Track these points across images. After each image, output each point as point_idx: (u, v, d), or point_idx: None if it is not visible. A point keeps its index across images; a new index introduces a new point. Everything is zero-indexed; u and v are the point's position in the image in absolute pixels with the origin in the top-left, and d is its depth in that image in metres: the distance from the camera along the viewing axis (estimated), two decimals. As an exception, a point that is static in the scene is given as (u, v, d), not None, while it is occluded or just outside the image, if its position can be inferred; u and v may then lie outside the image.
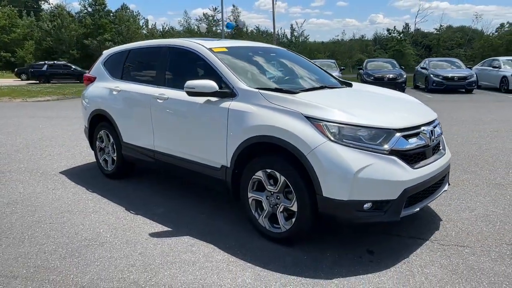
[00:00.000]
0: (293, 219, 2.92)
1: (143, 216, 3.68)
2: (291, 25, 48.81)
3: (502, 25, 73.16)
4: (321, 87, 3.72)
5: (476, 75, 16.61)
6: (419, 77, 18.13)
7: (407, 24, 54.04)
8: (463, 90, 16.18)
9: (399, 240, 3.13)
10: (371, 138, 2.74)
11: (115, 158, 4.69)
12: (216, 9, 48.43)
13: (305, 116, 2.84)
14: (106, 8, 44.06)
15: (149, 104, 3.98)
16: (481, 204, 3.85)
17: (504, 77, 16.05)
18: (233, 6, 51.43)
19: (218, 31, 47.37)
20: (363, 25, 79.68)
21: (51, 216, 3.71)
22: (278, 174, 2.95)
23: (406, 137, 2.86)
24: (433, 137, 3.07)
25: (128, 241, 3.18)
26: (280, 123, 2.88)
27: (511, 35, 62.22)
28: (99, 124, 4.85)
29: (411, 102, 3.61)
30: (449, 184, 3.44)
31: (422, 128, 3.01)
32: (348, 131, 2.74)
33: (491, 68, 17.35)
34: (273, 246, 3.05)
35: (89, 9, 43.52)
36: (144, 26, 49.25)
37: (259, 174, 3.08)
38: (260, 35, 56.53)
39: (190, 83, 3.35)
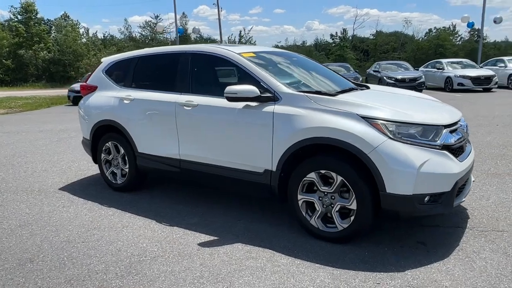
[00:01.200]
0: (352, 217, 2.99)
1: (179, 227, 3.57)
2: (240, 31, 49.17)
3: (430, 30, 79.12)
4: (350, 89, 3.84)
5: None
6: (372, 80, 19.13)
7: (344, 30, 56.81)
8: (414, 90, 17.34)
9: (442, 230, 3.32)
10: (424, 135, 2.90)
11: (126, 170, 4.48)
12: (158, 16, 47.53)
13: (361, 116, 2.93)
14: (38, 15, 41.31)
15: (174, 111, 3.87)
16: (492, 192, 4.18)
17: (448, 77, 17.44)
18: (183, 13, 50.88)
19: (162, 38, 46.64)
20: (300, 32, 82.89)
21: (80, 234, 3.47)
22: (334, 174, 3.01)
23: (451, 132, 3.06)
24: (468, 131, 3.31)
25: (180, 253, 3.07)
26: (337, 124, 2.95)
27: (438, 40, 67.94)
28: (105, 135, 4.61)
29: (435, 101, 3.85)
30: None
31: (459, 123, 3.24)
32: (403, 129, 2.88)
33: (435, 69, 18.77)
34: (328, 245, 3.10)
35: (19, 17, 40.41)
36: (84, 35, 47.01)
37: (312, 176, 3.12)
38: (204, 41, 56.45)
39: (231, 88, 3.32)
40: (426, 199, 2.83)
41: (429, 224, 3.43)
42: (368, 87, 4.23)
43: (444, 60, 19.52)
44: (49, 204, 4.28)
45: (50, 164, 6.12)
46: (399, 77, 17.24)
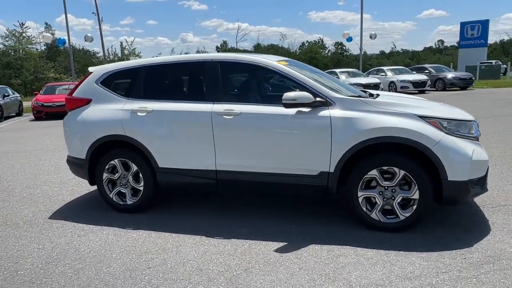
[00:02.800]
0: (414, 206, 3.35)
1: (237, 239, 3.47)
2: (121, 42, 46.75)
3: (303, 43, 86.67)
4: (369, 94, 4.22)
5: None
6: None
7: (225, 42, 58.89)
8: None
9: (462, 212, 3.88)
10: (465, 129, 3.42)
11: (140, 188, 4.12)
12: (23, 24, 42.47)
13: (418, 116, 3.33)
14: None
15: (210, 121, 3.74)
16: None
17: (392, 82, 19.99)
18: (46, 23, 46.18)
19: (31, 48, 41.74)
20: (175, 43, 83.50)
21: (134, 261, 3.13)
22: (396, 169, 3.33)
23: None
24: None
25: (267, 262, 3.03)
26: (403, 124, 3.28)
27: (311, 52, 75.20)
28: (109, 153, 4.17)
29: (440, 103, 4.40)
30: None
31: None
32: (452, 125, 3.36)
33: (379, 76, 21.39)
34: (386, 235, 3.38)
35: None
36: None
37: (373, 173, 3.39)
38: (81, 53, 52.50)
39: (289, 95, 3.41)
40: (474, 183, 3.34)
41: (447, 209, 3.96)
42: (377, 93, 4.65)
43: (385, 67, 23.20)
44: (59, 236, 3.71)
45: (30, 191, 5.23)
46: (362, 82, 18.98)
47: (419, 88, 19.96)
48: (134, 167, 4.09)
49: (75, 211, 4.37)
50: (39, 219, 4.16)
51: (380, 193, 3.43)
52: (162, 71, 4.20)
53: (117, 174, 4.20)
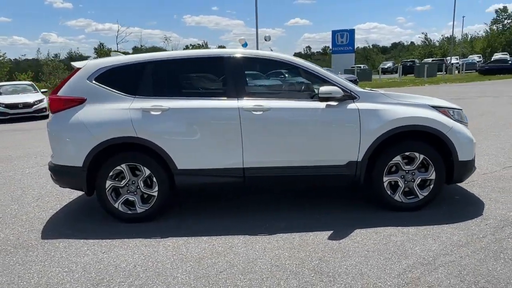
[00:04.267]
0: (431, 186, 3.80)
1: (281, 233, 3.48)
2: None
3: (187, 46, 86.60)
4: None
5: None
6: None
7: (102, 44, 55.15)
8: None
9: (450, 190, 4.51)
10: (461, 116, 4.01)
11: (153, 194, 3.79)
12: None
13: (431, 106, 3.79)
14: None
15: (238, 118, 3.66)
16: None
17: None
18: None
19: None
20: (35, 44, 75.97)
21: (197, 269, 2.92)
22: (417, 154, 3.74)
23: (458, 115, 4.30)
24: None
25: (335, 250, 3.12)
26: (422, 114, 3.70)
27: None
28: (113, 157, 3.74)
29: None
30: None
31: None
32: (456, 113, 3.91)
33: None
34: (405, 214, 3.77)
35: None
36: None
37: (397, 159, 3.75)
38: None
39: (325, 89, 3.58)
40: (474, 162, 3.94)
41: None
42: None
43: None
44: (77, 255, 3.20)
45: (9, 215, 4.22)
46: None
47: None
48: (146, 171, 3.74)
49: (66, 226, 3.79)
50: (31, 241, 3.51)
51: (402, 176, 3.80)
52: (175, 67, 3.92)
53: (123, 181, 3.78)
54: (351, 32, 43.58)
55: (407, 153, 3.74)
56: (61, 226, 3.84)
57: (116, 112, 3.71)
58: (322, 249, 3.14)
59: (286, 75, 4.26)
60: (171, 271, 2.89)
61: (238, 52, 3.91)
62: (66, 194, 4.80)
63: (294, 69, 3.95)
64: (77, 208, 4.38)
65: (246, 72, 3.97)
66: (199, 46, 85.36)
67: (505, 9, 71.20)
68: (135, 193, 3.81)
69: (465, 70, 36.38)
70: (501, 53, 50.21)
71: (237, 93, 3.74)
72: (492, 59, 38.62)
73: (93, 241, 3.46)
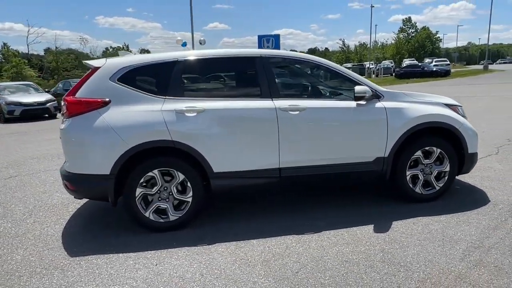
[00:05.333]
0: (445, 177, 4.14)
1: (325, 230, 3.54)
2: None
3: (107, 49, 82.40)
4: None
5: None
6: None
7: (5, 44, 50.43)
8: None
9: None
10: (464, 112, 4.42)
11: (187, 199, 3.61)
12: None
13: (445, 104, 4.14)
14: None
15: (275, 118, 3.65)
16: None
17: None
18: None
19: None
20: None
21: (286, 278, 2.87)
22: (435, 149, 4.05)
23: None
24: None
25: (393, 240, 3.26)
26: (439, 111, 4.02)
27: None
28: (144, 163, 3.50)
29: None
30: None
31: None
32: (461, 110, 4.31)
33: None
34: (424, 204, 4.06)
35: None
36: None
37: (418, 153, 4.03)
38: None
39: (361, 88, 3.73)
40: (477, 155, 4.36)
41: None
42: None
43: None
44: (129, 270, 2.94)
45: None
46: None
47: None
48: (180, 176, 3.55)
49: (88, 240, 3.45)
50: (60, 261, 3.13)
51: (422, 170, 4.09)
52: (206, 66, 3.78)
53: (155, 188, 3.55)
54: (276, 37, 44.59)
55: (426, 148, 4.03)
56: (81, 240, 3.48)
57: (147, 114, 3.47)
58: (376, 242, 3.26)
59: (312, 76, 4.33)
60: (246, 276, 2.79)
61: (269, 51, 3.90)
62: (56, 206, 4.37)
63: (321, 69, 4.03)
64: (84, 219, 4.00)
65: (277, 72, 3.95)
66: (120, 49, 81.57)
67: (409, 19, 79.08)
68: (167, 200, 3.59)
69: (383, 74, 39.67)
70: (409, 59, 55.62)
71: (271, 93, 3.73)
72: (405, 65, 42.58)
73: (133, 254, 3.20)
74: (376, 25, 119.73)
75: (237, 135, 3.62)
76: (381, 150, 3.91)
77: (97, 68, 3.58)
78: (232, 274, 2.83)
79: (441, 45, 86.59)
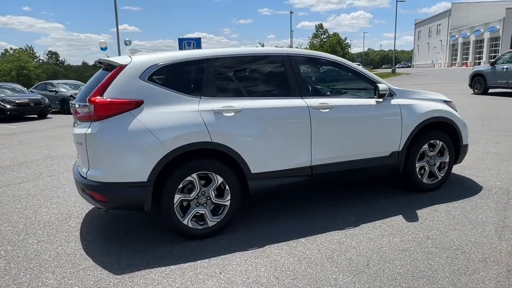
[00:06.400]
0: (445, 168, 4.54)
1: (362, 223, 3.66)
2: None
3: (6, 50, 74.55)
4: None
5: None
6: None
7: None
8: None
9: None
10: (455, 107, 4.86)
11: (225, 203, 3.47)
12: None
13: (443, 101, 4.53)
14: None
15: (308, 116, 3.68)
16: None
17: (64, 99, 17.36)
18: None
19: None
20: None
21: (363, 273, 2.90)
22: (438, 142, 4.41)
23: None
24: None
25: (428, 229, 3.49)
26: (442, 107, 4.38)
27: (19, 61, 66.24)
28: (183, 167, 3.29)
29: None
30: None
31: None
32: (454, 105, 4.74)
33: (48, 91, 17.99)
34: (426, 194, 4.44)
35: None
36: None
37: (425, 146, 4.35)
38: None
39: (383, 87, 3.92)
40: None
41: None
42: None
43: (55, 81, 19.63)
44: (193, 281, 2.74)
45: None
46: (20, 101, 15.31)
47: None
48: (219, 179, 3.40)
49: (119, 256, 3.14)
50: (107, 281, 2.81)
51: (427, 162, 4.42)
52: (236, 65, 3.65)
53: (193, 193, 3.35)
54: (198, 40, 44.34)
55: (431, 141, 4.37)
56: (115, 257, 3.15)
57: (185, 115, 3.27)
58: (417, 230, 3.45)
59: (333, 74, 4.41)
60: (322, 274, 2.78)
61: (294, 50, 3.91)
62: (52, 222, 3.90)
63: (341, 68, 4.12)
64: (99, 233, 3.62)
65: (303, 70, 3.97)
66: (23, 51, 74.19)
67: (321, 26, 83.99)
68: (205, 205, 3.41)
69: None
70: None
71: (301, 92, 3.75)
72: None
73: (185, 264, 2.99)
74: (292, 31, 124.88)
75: (273, 134, 3.57)
76: (396, 145, 4.15)
77: (123, 66, 3.27)
78: (307, 274, 2.79)
79: (350, 50, 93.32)
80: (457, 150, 4.56)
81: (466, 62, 51.05)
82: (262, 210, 4.06)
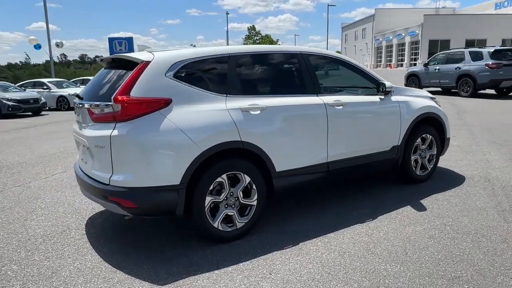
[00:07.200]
0: (433, 160, 4.88)
1: (380, 215, 3.81)
2: None
3: None
4: None
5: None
6: None
7: None
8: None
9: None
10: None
11: (252, 203, 3.41)
12: None
13: (430, 98, 4.87)
14: None
15: (325, 113, 3.75)
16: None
17: (62, 96, 17.42)
18: None
19: None
20: None
21: (404, 262, 3.01)
22: (428, 136, 4.73)
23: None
24: None
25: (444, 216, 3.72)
26: (430, 104, 4.70)
27: None
28: (213, 167, 3.18)
29: None
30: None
31: None
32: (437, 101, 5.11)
33: (40, 89, 18.06)
34: (422, 184, 4.76)
35: None
36: None
37: (418, 140, 4.65)
38: None
39: (389, 84, 4.12)
40: (448, 139, 5.22)
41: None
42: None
43: (46, 80, 19.28)
44: (252, 282, 2.67)
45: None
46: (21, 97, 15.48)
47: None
48: (246, 179, 3.34)
49: (157, 265, 2.96)
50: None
51: (420, 154, 4.72)
52: (256, 62, 3.59)
53: (223, 194, 3.25)
54: (130, 40, 42.74)
55: (423, 135, 4.67)
56: (147, 266, 2.95)
57: (214, 113, 3.16)
58: (431, 218, 3.67)
59: (340, 72, 4.48)
60: (372, 265, 2.85)
61: (306, 49, 3.95)
62: (51, 236, 3.57)
63: (346, 66, 4.22)
64: (114, 243, 3.36)
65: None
66: None
67: (253, 28, 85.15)
68: (233, 206, 3.32)
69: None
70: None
71: (315, 89, 3.80)
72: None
73: (229, 268, 2.89)
74: (227, 32, 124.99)
75: (296, 131, 3.59)
76: (396, 139, 4.37)
77: (147, 62, 3.06)
78: (355, 267, 2.84)
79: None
80: (442, 143, 4.92)
81: (389, 64, 54.96)
82: (276, 209, 4.04)
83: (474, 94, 14.20)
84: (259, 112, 3.35)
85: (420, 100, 4.66)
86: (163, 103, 2.99)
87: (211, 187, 3.15)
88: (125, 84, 2.96)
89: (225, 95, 3.28)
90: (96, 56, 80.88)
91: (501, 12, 44.43)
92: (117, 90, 2.95)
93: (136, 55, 3.16)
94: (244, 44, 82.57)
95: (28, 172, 5.99)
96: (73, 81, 21.64)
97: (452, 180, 4.83)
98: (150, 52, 3.23)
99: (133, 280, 2.76)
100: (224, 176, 3.21)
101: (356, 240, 3.27)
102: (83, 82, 21.60)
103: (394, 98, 4.35)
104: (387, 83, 4.13)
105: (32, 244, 3.43)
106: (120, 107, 2.89)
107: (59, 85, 18.76)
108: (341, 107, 3.86)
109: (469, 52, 14.59)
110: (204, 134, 3.06)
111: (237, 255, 3.08)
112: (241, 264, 2.94)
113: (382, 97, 4.23)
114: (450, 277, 2.67)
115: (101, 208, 4.22)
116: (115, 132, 2.90)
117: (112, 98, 2.93)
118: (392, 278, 2.68)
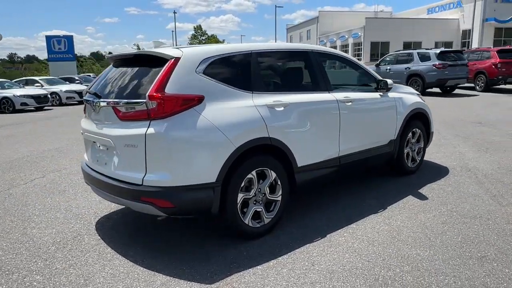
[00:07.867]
0: (421, 153, 5.22)
1: (389, 205, 4.03)
2: None
3: None
4: None
5: None
6: None
7: None
8: None
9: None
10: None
11: (277, 199, 3.45)
12: None
13: (417, 95, 5.20)
14: None
15: (338, 109, 3.89)
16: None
17: (6, 98, 16.14)
18: None
19: None
20: None
21: (433, 246, 3.20)
22: (418, 130, 5.06)
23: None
24: None
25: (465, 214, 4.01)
26: (418, 100, 5.02)
27: None
28: (245, 164, 3.18)
29: None
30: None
31: None
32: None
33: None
34: (413, 176, 5.09)
35: None
36: None
37: (410, 135, 4.95)
38: None
39: (390, 81, 4.35)
40: (428, 132, 5.60)
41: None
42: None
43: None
44: (281, 277, 2.72)
45: None
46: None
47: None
48: (272, 175, 3.38)
49: (198, 265, 2.92)
50: (213, 288, 2.59)
51: (410, 147, 5.03)
52: (275, 59, 3.64)
53: (252, 191, 3.27)
54: (69, 38, 40.94)
55: (414, 130, 4.99)
56: (185, 267, 2.89)
57: (244, 110, 3.16)
58: (437, 207, 3.94)
59: (344, 70, 4.63)
60: (402, 252, 3.01)
61: (316, 47, 4.06)
62: (64, 243, 3.38)
63: (349, 64, 4.39)
64: (138, 247, 3.25)
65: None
66: None
67: (200, 27, 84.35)
68: (260, 202, 3.35)
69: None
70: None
71: (326, 86, 3.93)
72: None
73: (270, 263, 2.92)
74: (173, 31, 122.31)
75: (315, 127, 3.68)
76: (393, 133, 4.63)
77: (177, 59, 3.00)
78: (390, 253, 2.99)
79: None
80: (427, 136, 5.27)
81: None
82: (292, 205, 4.11)
83: (423, 93, 15.22)
84: (282, 108, 3.40)
85: (411, 96, 4.96)
86: (197, 100, 2.94)
87: (242, 184, 3.14)
88: (159, 80, 2.87)
89: (251, 91, 3.29)
90: (28, 55, 75.31)
91: (433, 16, 47.86)
92: (151, 87, 2.85)
93: (165, 51, 3.07)
94: (190, 43, 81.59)
95: (1, 178, 5.53)
96: (16, 81, 20.07)
97: (437, 171, 5.19)
98: (177, 48, 3.16)
99: (178, 282, 2.70)
100: (253, 172, 3.22)
101: (378, 229, 3.44)
102: (27, 83, 20.12)
103: (390, 94, 4.60)
104: (389, 81, 4.36)
105: (45, 252, 3.21)
106: (156, 104, 2.80)
107: (0, 85, 17.36)
108: (350, 103, 4.02)
109: (418, 53, 15.64)
110: (238, 131, 3.06)
111: (272, 250, 3.10)
112: (280, 258, 2.98)
113: (382, 93, 4.46)
114: (478, 257, 2.90)
115: (105, 212, 4.05)
116: (151, 130, 2.81)
117: (146, 95, 2.83)
118: (428, 262, 2.86)
